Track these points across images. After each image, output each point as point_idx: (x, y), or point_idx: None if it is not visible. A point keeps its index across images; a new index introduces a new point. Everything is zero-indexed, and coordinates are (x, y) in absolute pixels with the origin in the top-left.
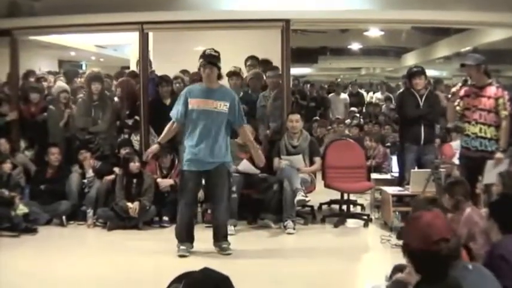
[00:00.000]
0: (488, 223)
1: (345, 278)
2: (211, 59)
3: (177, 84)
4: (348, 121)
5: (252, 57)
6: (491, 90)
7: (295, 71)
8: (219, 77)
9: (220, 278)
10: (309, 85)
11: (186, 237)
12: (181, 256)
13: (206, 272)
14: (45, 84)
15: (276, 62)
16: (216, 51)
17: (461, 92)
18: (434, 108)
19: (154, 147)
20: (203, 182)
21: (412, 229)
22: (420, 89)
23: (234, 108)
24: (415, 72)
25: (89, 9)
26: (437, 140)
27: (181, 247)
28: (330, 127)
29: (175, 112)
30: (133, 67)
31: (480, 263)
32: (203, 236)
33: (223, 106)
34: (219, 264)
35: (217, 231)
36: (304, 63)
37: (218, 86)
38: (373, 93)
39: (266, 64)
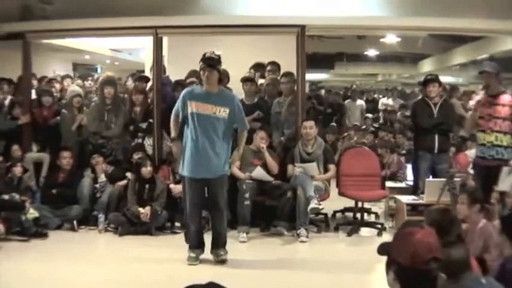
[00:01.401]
0: (501, 237)
1: None
2: (210, 62)
3: None
4: (364, 127)
5: (273, 63)
6: (505, 98)
7: (312, 76)
8: (220, 80)
9: None
10: (323, 91)
11: (196, 243)
12: (190, 264)
13: (211, 286)
14: (57, 86)
15: (292, 67)
16: (216, 54)
17: (474, 101)
18: (449, 117)
19: (175, 149)
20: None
21: (404, 245)
22: (434, 97)
23: (234, 113)
24: (429, 80)
25: (102, 13)
26: (452, 149)
27: (191, 254)
28: (345, 134)
29: (176, 108)
30: (147, 71)
31: (492, 276)
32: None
33: (222, 112)
34: (230, 273)
35: (215, 239)
36: (320, 68)
37: (218, 90)
38: (387, 98)
39: (262, 67)
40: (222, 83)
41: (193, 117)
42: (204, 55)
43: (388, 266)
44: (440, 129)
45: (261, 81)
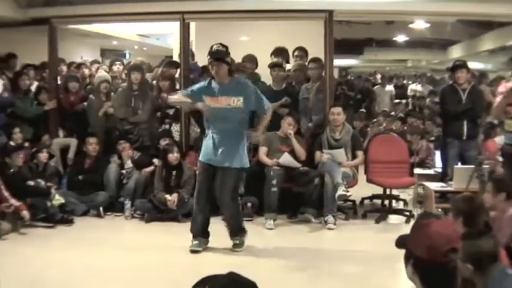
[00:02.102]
0: None
1: (385, 278)
2: (217, 55)
3: None
4: (392, 113)
5: (300, 48)
6: None
7: (341, 62)
8: (230, 72)
9: (247, 285)
10: (350, 76)
11: (199, 231)
12: (192, 251)
13: (232, 276)
14: (86, 71)
15: (320, 53)
16: (223, 46)
17: (503, 89)
18: (477, 104)
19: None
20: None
21: (420, 237)
22: (463, 83)
23: (251, 100)
24: (457, 66)
25: None
26: (481, 136)
27: (194, 241)
28: (375, 120)
29: (190, 90)
30: (175, 57)
31: None
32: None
33: (237, 102)
34: (256, 261)
35: (227, 228)
36: (350, 54)
37: (229, 80)
38: (416, 85)
39: (283, 52)
40: (233, 74)
41: (210, 111)
42: (211, 48)
43: (407, 259)
44: (469, 115)
45: (287, 66)
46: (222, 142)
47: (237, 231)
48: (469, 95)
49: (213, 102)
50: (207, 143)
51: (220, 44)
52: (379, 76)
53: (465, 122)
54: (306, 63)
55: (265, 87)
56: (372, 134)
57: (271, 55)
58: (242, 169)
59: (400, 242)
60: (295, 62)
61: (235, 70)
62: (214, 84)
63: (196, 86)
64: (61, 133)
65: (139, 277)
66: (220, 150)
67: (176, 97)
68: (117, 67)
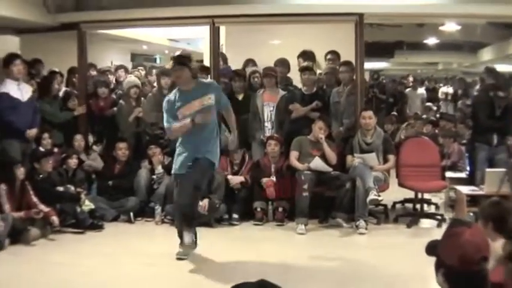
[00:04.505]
0: None
1: (416, 284)
2: (179, 60)
3: (255, 79)
4: (424, 116)
5: (333, 52)
6: None
7: (372, 65)
8: (195, 76)
9: None
10: (382, 78)
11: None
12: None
13: (262, 284)
14: (111, 77)
15: (351, 56)
16: (185, 53)
17: None
18: (510, 121)
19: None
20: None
21: (451, 247)
22: None
23: (220, 96)
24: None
25: (157, 2)
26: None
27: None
28: (407, 122)
29: (167, 124)
30: (206, 61)
31: None
32: (274, 235)
33: (208, 100)
34: (287, 267)
35: None
36: (380, 57)
37: (195, 83)
38: (447, 87)
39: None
40: (196, 77)
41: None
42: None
43: (437, 267)
44: (500, 128)
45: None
46: (197, 142)
47: (180, 236)
48: (504, 110)
49: (186, 111)
50: (182, 150)
51: (183, 50)
52: (411, 79)
53: (495, 134)
54: (337, 67)
55: (296, 91)
56: (404, 136)
57: (298, 57)
58: (213, 164)
59: (430, 249)
60: (327, 65)
61: (266, 75)
62: (179, 94)
63: (167, 107)
64: (91, 138)
65: (170, 283)
66: (197, 150)
67: (178, 127)
68: (138, 73)
